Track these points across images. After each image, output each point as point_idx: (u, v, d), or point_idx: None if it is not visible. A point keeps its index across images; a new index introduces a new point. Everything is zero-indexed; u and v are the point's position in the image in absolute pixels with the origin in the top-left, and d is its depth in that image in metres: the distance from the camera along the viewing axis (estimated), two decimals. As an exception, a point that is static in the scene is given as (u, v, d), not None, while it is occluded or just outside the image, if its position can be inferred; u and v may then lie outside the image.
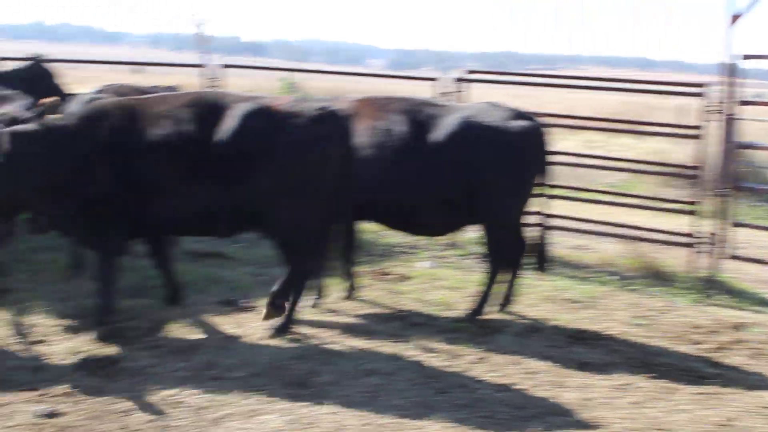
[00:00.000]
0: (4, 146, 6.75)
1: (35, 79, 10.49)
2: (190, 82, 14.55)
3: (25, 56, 11.78)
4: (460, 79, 11.58)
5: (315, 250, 7.50)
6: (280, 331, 7.34)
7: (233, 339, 7.25)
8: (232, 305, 8.11)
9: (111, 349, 6.82)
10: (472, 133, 7.82)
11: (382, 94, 8.43)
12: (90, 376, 6.33)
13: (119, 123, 7.08)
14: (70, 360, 6.62)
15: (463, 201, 7.90)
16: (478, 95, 10.98)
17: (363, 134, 7.90)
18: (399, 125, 7.92)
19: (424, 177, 7.86)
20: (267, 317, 7.37)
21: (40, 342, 6.96)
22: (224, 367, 6.59)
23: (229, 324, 7.62)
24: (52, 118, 7.15)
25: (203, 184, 7.01)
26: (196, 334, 7.33)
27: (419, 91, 11.56)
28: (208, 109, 7.12)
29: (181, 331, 7.39)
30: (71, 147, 6.96)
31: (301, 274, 7.43)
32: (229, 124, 6.99)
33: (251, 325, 7.56)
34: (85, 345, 6.90)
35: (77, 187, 6.95)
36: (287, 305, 7.40)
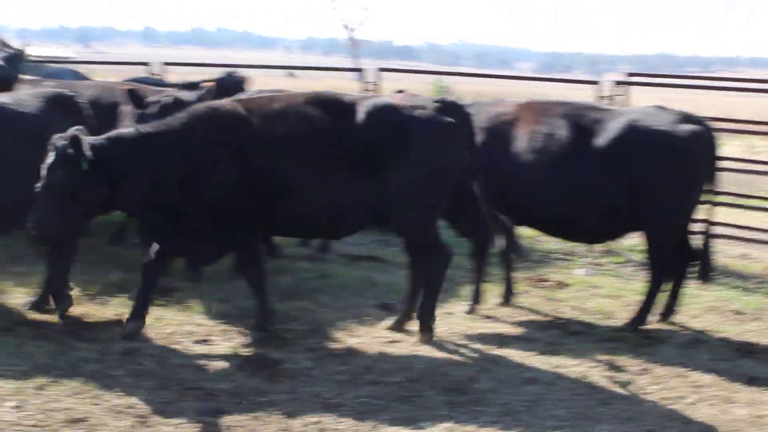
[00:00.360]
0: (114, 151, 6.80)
1: (231, 89, 10.73)
2: (342, 86, 14.70)
3: (184, 62, 12.11)
4: (619, 83, 11.31)
5: (439, 245, 7.35)
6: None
7: (390, 343, 7.24)
8: (388, 309, 8.09)
9: (271, 351, 6.89)
10: (638, 137, 7.60)
11: (544, 98, 8.30)
12: (252, 376, 6.41)
13: (241, 124, 7.04)
14: (232, 360, 6.73)
15: (627, 207, 7.67)
16: (633, 99, 10.72)
17: (524, 138, 7.77)
18: (561, 129, 7.75)
19: (587, 182, 7.68)
20: (424, 340, 7.29)
21: (204, 341, 7.10)
22: (382, 372, 6.58)
23: (383, 327, 7.61)
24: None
25: (332, 182, 6.98)
26: (354, 338, 7.34)
27: (571, 94, 11.36)
28: (332, 106, 7.10)
29: (340, 334, 7.41)
30: (188, 149, 6.94)
31: (439, 275, 7.35)
32: (357, 120, 6.98)
33: (408, 330, 7.53)
34: (247, 346, 7.00)
35: (197, 190, 6.92)
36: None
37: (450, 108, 7.19)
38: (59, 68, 15.60)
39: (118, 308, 7.66)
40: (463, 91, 31.07)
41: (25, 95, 7.95)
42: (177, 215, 6.95)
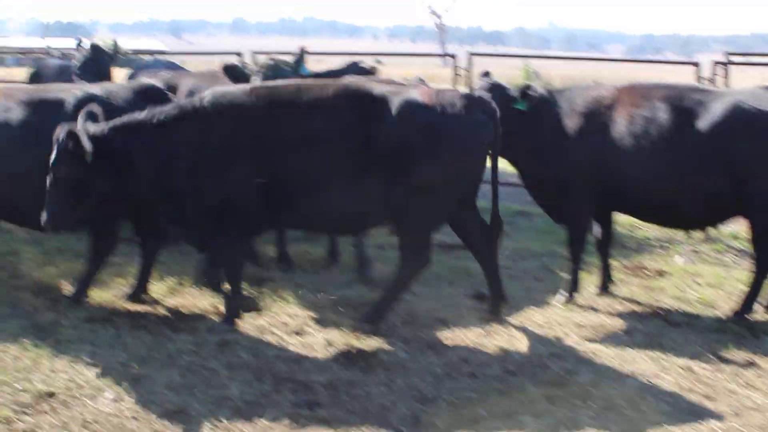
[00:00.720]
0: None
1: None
2: (431, 72, 14.55)
3: (276, 51, 12.09)
4: (719, 63, 10.95)
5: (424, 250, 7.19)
6: None
7: (486, 334, 7.11)
8: (483, 299, 7.95)
9: (367, 342, 6.82)
10: (743, 119, 7.28)
11: (644, 81, 8.04)
12: (347, 368, 6.35)
13: (255, 112, 6.87)
14: (326, 351, 6.68)
15: (730, 193, 7.38)
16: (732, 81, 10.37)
17: (623, 122, 7.54)
18: (662, 112, 7.49)
19: (689, 167, 7.41)
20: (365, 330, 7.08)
21: (298, 333, 7.07)
22: (478, 364, 6.47)
23: (479, 318, 7.48)
24: None
25: (350, 179, 6.77)
26: (449, 328, 7.23)
27: (665, 77, 11.04)
28: (359, 100, 6.87)
29: (435, 324, 7.31)
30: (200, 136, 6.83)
31: (410, 279, 7.24)
32: (384, 117, 6.74)
33: (503, 320, 7.40)
34: (342, 337, 6.94)
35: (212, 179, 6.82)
36: None
37: (477, 103, 7.00)
38: (154, 60, 15.77)
39: (212, 298, 7.67)
40: (553, 75, 30.68)
41: (115, 86, 8.05)
42: (185, 203, 6.90)
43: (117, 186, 6.85)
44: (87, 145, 6.56)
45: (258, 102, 6.90)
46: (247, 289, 7.78)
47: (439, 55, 19.40)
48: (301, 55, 9.04)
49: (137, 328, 7.02)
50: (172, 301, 7.73)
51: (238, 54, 13.37)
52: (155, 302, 7.73)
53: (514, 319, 7.44)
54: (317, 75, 9.12)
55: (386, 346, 6.75)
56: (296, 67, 8.84)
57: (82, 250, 7.93)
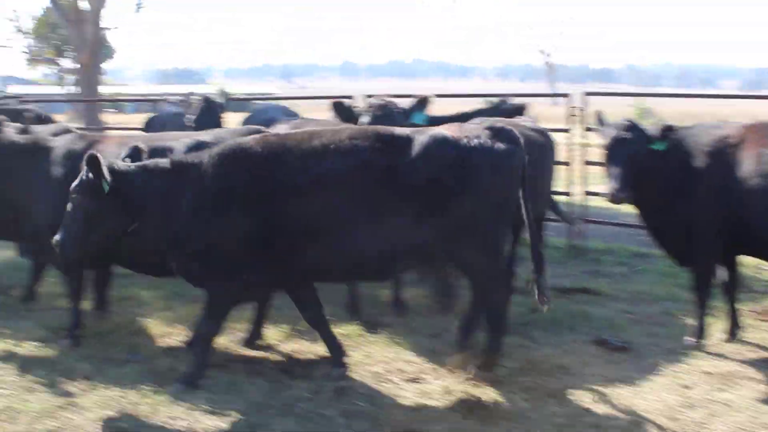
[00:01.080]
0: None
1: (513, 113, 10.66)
2: (540, 111, 14.33)
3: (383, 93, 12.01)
4: None
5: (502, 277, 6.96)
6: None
7: (611, 382, 6.84)
8: (604, 345, 7.69)
9: (485, 391, 6.62)
10: None
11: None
12: (466, 418, 6.17)
13: (268, 162, 6.63)
14: (444, 400, 6.52)
15: None
16: None
17: (751, 162, 7.22)
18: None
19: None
20: (485, 377, 6.82)
21: (415, 380, 6.92)
22: (602, 414, 6.23)
23: (602, 365, 7.23)
24: None
25: (379, 222, 6.50)
26: (571, 376, 6.99)
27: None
28: (383, 142, 6.64)
29: (555, 372, 7.07)
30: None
31: (500, 307, 6.96)
32: (410, 156, 6.53)
33: (627, 367, 7.13)
34: (459, 384, 6.76)
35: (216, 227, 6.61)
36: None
37: (501, 134, 6.76)
38: (268, 105, 15.96)
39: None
40: (666, 111, 30.07)
41: (225, 133, 8.12)
42: (199, 250, 6.70)
43: (128, 224, 6.79)
44: (105, 174, 6.55)
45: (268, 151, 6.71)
46: (362, 334, 7.72)
47: (549, 95, 19.04)
48: (420, 103, 8.85)
49: (253, 374, 6.98)
50: (287, 347, 7.69)
51: (349, 97, 13.37)
52: (270, 348, 7.69)
53: (639, 366, 7.16)
54: (435, 120, 8.86)
55: (506, 395, 6.54)
56: (409, 113, 8.67)
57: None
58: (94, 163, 6.52)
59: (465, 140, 6.61)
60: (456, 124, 7.02)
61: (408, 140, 6.61)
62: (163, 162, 6.85)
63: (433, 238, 6.55)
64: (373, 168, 6.50)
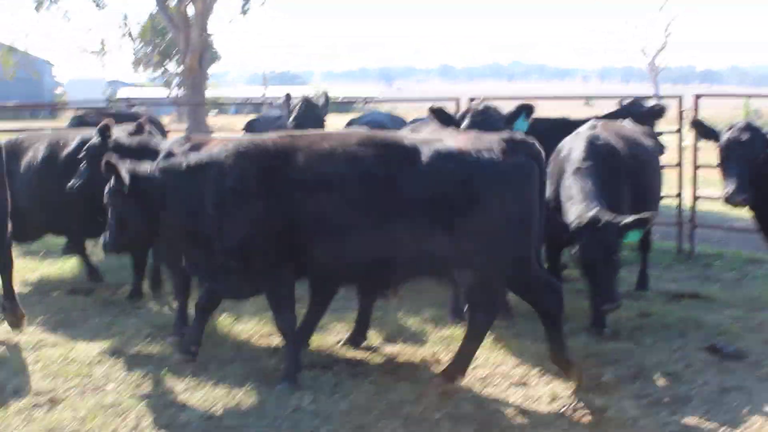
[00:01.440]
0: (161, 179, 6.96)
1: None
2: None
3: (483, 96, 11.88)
4: None
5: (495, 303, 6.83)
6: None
7: (726, 391, 6.60)
8: (717, 353, 7.43)
9: (594, 397, 6.45)
10: None
11: None
12: (575, 425, 6.03)
13: (281, 162, 6.68)
14: (552, 406, 6.38)
15: None
16: None
17: None
18: None
19: None
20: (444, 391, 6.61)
21: (521, 385, 6.80)
22: (718, 425, 6.00)
23: (715, 373, 6.98)
24: None
25: (382, 231, 6.41)
26: (682, 384, 6.76)
27: None
28: (390, 151, 6.58)
29: (666, 379, 6.86)
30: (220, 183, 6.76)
31: (482, 328, 6.78)
32: (419, 167, 6.41)
33: (742, 375, 6.88)
34: (567, 390, 6.61)
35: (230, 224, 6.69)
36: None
37: (519, 146, 6.55)
38: (372, 111, 16.00)
39: (433, 346, 7.53)
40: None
41: None
42: (209, 248, 6.81)
43: (151, 223, 7.06)
44: (124, 176, 6.86)
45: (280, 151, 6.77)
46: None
47: (660, 97, 18.66)
48: (522, 109, 8.62)
49: (357, 375, 6.95)
50: (391, 349, 7.63)
51: (455, 99, 13.27)
52: (373, 349, 7.65)
53: (754, 375, 6.90)
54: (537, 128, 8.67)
55: (615, 402, 6.36)
56: (510, 119, 8.45)
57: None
58: (111, 168, 6.90)
59: (472, 154, 6.46)
60: (474, 133, 6.91)
61: (413, 151, 6.54)
62: (179, 161, 7.14)
63: (434, 251, 6.44)
64: (373, 177, 6.48)
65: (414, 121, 10.74)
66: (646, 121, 9.94)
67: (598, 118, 9.66)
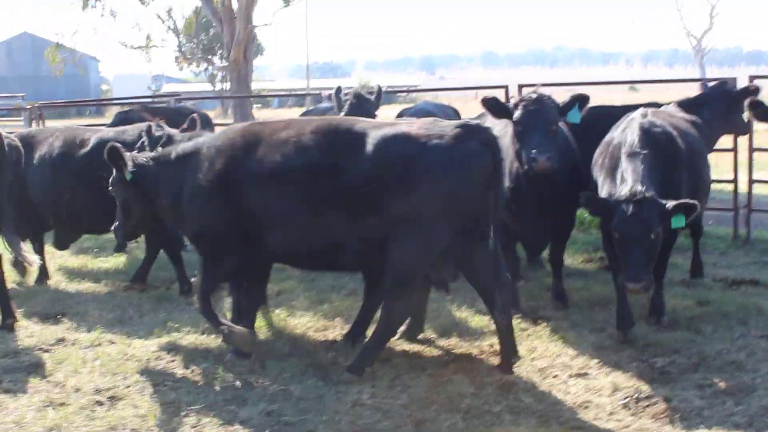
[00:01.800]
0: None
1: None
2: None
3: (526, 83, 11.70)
4: None
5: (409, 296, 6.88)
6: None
7: (789, 379, 6.48)
8: (781, 341, 7.30)
9: (657, 387, 6.37)
10: None
11: None
12: (637, 415, 5.95)
13: (242, 150, 7.04)
14: (614, 397, 6.29)
15: None
16: None
17: None
18: None
19: None
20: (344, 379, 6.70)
21: (581, 376, 6.72)
22: (788, 414, 5.88)
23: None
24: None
25: (326, 215, 6.65)
26: (745, 372, 6.64)
27: None
28: (339, 136, 6.74)
29: (729, 368, 6.74)
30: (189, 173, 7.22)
31: (396, 319, 6.93)
32: (364, 152, 6.53)
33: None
34: (628, 380, 6.53)
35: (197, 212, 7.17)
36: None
37: (473, 133, 6.51)
38: (424, 102, 15.90)
39: (489, 339, 7.47)
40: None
41: None
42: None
43: (152, 210, 7.64)
44: (128, 163, 7.38)
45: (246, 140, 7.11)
46: (525, 329, 7.58)
47: (704, 80, 18.32)
48: (577, 100, 8.40)
49: (415, 368, 6.90)
50: (447, 342, 7.58)
51: (504, 87, 13.14)
52: (430, 342, 7.61)
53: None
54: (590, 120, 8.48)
55: (678, 392, 6.27)
56: (564, 109, 8.27)
57: (356, 288, 7.95)
58: (114, 155, 7.38)
59: (422, 139, 6.48)
60: (429, 120, 6.89)
61: (362, 136, 6.66)
62: (171, 151, 7.54)
63: (374, 232, 6.53)
64: (320, 162, 6.67)
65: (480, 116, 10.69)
66: (738, 103, 9.61)
67: (677, 103, 9.45)
